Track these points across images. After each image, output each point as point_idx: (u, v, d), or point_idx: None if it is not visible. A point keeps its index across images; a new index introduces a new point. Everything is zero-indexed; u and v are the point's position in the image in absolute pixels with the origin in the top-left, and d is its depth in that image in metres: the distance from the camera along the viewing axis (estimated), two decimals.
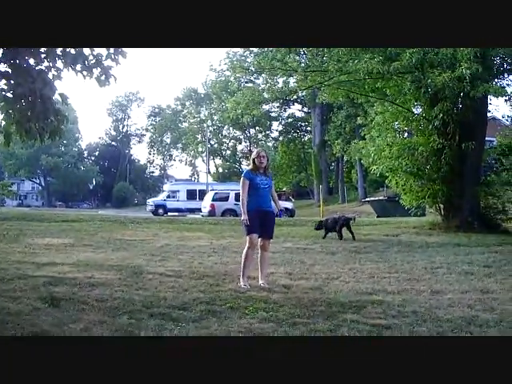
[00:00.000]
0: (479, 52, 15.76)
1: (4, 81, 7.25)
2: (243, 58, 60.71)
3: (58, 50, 7.23)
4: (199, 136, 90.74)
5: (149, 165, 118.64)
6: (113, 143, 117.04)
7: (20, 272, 9.17)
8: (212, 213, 34.16)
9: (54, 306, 6.73)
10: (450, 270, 10.41)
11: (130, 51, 8.27)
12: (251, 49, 57.17)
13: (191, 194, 49.26)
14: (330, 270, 10.37)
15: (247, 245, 8.81)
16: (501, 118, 26.28)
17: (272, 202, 9.20)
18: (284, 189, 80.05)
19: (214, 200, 35.49)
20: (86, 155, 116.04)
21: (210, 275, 9.42)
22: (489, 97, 18.57)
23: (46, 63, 7.31)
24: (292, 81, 27.47)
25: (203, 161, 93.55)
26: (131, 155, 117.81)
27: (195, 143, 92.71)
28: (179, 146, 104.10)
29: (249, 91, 26.22)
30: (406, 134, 23.51)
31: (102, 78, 7.65)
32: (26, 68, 7.16)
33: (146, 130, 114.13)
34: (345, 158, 61.45)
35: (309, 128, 76.11)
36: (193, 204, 45.45)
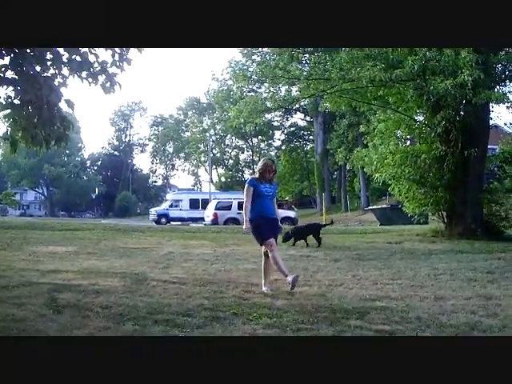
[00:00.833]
0: (481, 59, 15.82)
1: (11, 88, 7.31)
2: (245, 67, 60.71)
3: (64, 57, 7.29)
4: (202, 145, 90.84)
5: (151, 174, 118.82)
6: (115, 153, 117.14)
7: (24, 279, 9.19)
8: (215, 222, 34.18)
9: (58, 313, 6.75)
10: (453, 276, 10.40)
11: (133, 60, 8.34)
12: (253, 57, 57.43)
13: (194, 203, 49.33)
14: (334, 276, 10.37)
15: (271, 248, 8.75)
16: (503, 126, 26.33)
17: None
18: (287, 198, 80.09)
19: (216, 209, 35.51)
20: (88, 165, 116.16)
21: (214, 282, 9.43)
22: (491, 104, 18.59)
23: (52, 70, 7.38)
24: (294, 89, 27.52)
25: (206, 170, 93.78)
26: (134, 165, 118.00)
27: (198, 152, 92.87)
28: (182, 155, 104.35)
29: (251, 100, 26.25)
30: (408, 142, 23.55)
31: (107, 84, 7.72)
32: (33, 75, 7.22)
33: (149, 139, 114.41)
34: (347, 167, 61.48)
35: (311, 137, 76.25)
36: (195, 213, 45.51)
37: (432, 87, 16.27)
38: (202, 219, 38.92)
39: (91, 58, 7.75)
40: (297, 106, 66.70)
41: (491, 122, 20.29)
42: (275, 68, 20.96)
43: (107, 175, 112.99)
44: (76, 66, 7.38)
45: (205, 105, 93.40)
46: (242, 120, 27.77)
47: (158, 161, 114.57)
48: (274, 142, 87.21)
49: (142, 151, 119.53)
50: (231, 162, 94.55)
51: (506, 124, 28.01)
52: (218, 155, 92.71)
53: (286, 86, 27.35)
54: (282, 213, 38.98)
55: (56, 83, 7.46)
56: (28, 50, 7.17)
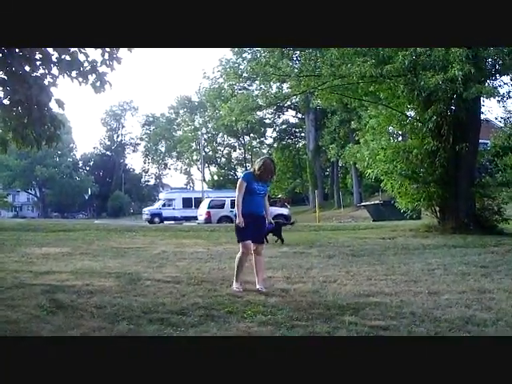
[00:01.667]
0: (471, 53, 15.85)
1: (0, 88, 7.29)
2: (236, 64, 60.87)
3: (54, 57, 7.27)
4: (194, 144, 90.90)
5: (144, 174, 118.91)
6: (107, 153, 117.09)
7: (18, 281, 9.16)
8: (208, 220, 34.12)
9: (52, 314, 6.73)
10: (447, 271, 10.43)
11: (123, 59, 8.32)
12: (244, 55, 57.51)
13: (187, 202, 49.31)
14: (328, 273, 10.37)
15: (241, 250, 8.73)
16: (494, 120, 26.39)
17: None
18: (279, 195, 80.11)
19: (209, 207, 35.43)
20: (80, 165, 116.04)
21: (208, 281, 9.41)
22: (482, 98, 18.64)
23: (41, 70, 7.35)
24: (285, 86, 27.63)
25: (198, 169, 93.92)
26: (126, 164, 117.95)
27: (190, 151, 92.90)
28: (174, 154, 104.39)
29: (242, 97, 26.30)
30: (400, 137, 23.60)
31: (98, 84, 7.70)
32: (22, 75, 7.20)
33: (141, 139, 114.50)
34: (340, 163, 61.71)
35: (303, 134, 76.29)
36: (189, 212, 45.46)
37: (423, 82, 16.31)
38: (195, 218, 38.87)
39: (81, 58, 7.74)
40: (288, 103, 66.82)
41: (482, 117, 20.33)
42: (266, 65, 21.00)
43: (100, 175, 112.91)
44: (66, 65, 7.36)
45: (196, 103, 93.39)
46: (234, 118, 27.88)
47: (151, 160, 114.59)
48: (265, 139, 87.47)
49: (134, 151, 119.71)
50: (223, 160, 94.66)
51: (496, 118, 28.11)
52: (210, 153, 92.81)
53: (277, 83, 27.46)
54: (276, 210, 39.06)
55: (46, 83, 7.43)
56: (17, 50, 7.14)
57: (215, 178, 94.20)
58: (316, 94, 22.46)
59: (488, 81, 18.53)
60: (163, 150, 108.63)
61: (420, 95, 17.41)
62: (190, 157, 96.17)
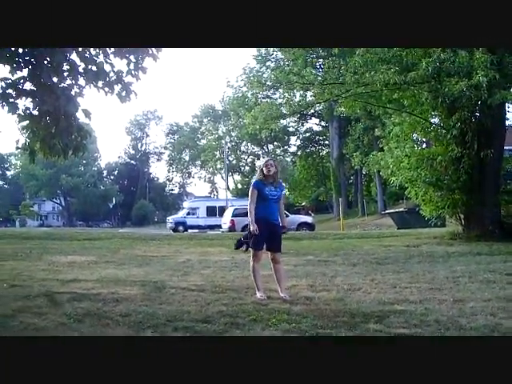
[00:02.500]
0: (496, 59, 15.76)
1: (29, 99, 7.40)
2: (260, 73, 60.84)
3: (80, 68, 7.37)
4: (218, 153, 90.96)
5: (168, 182, 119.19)
6: (132, 162, 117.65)
7: (45, 289, 9.26)
8: (232, 229, 34.14)
9: (78, 322, 6.80)
10: (472, 278, 10.33)
11: (148, 69, 8.42)
12: (268, 63, 57.57)
13: (211, 211, 49.47)
14: (352, 281, 10.33)
15: (252, 258, 8.80)
16: None
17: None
18: (303, 203, 79.97)
19: (233, 216, 35.44)
20: (105, 174, 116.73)
21: (233, 289, 9.43)
22: (507, 104, 18.51)
23: (68, 81, 7.46)
24: (309, 94, 27.56)
25: (222, 177, 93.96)
26: (150, 173, 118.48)
27: (214, 160, 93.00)
28: (198, 163, 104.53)
29: (266, 106, 26.31)
30: (424, 145, 23.49)
31: (123, 93, 7.79)
32: (50, 85, 7.31)
33: (165, 147, 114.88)
34: (363, 171, 61.35)
35: (327, 142, 76.06)
36: (213, 220, 45.56)
37: (447, 89, 16.23)
38: (220, 226, 38.94)
39: (107, 68, 7.85)
40: (312, 111, 66.71)
41: (507, 123, 20.18)
42: (289, 73, 21.06)
43: (124, 184, 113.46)
44: (92, 75, 7.47)
45: (220, 112, 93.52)
46: (258, 126, 27.81)
47: (175, 169, 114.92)
48: (289, 147, 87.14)
49: (158, 160, 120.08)
50: (247, 168, 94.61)
51: None
52: (234, 162, 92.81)
53: (301, 92, 27.45)
54: (300, 218, 39.15)
55: (73, 93, 7.54)
56: (45, 62, 7.25)
57: (239, 186, 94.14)
58: (340, 101, 22.48)
59: None
60: (187, 158, 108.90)
61: (444, 102, 17.32)
62: (214, 165, 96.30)
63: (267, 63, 59.05)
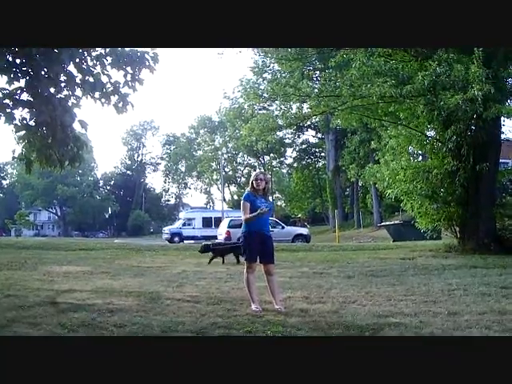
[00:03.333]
0: (491, 73, 15.85)
1: (26, 109, 7.42)
2: (256, 85, 60.95)
3: (78, 79, 7.39)
4: (214, 164, 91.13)
5: (164, 193, 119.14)
6: (128, 172, 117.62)
7: (39, 299, 9.26)
8: (228, 240, 34.10)
9: (73, 332, 6.79)
10: (467, 291, 10.32)
11: (145, 80, 8.44)
12: (264, 75, 57.67)
13: (207, 222, 49.45)
14: (347, 293, 10.33)
15: (245, 270, 8.83)
16: None
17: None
18: (299, 215, 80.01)
19: (229, 227, 35.37)
20: (101, 184, 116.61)
21: (228, 300, 9.43)
22: (502, 118, 18.59)
23: (65, 91, 7.48)
24: (305, 106, 27.59)
25: (218, 188, 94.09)
26: (146, 184, 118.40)
27: (210, 171, 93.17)
28: (194, 174, 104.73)
29: (263, 117, 26.38)
30: (420, 157, 23.56)
31: (120, 105, 7.81)
32: (47, 96, 7.33)
33: (161, 158, 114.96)
34: (360, 183, 61.45)
35: (323, 154, 76.17)
36: (208, 231, 45.49)
37: (442, 102, 16.29)
38: (215, 237, 38.89)
39: (104, 79, 7.87)
40: (308, 123, 66.81)
41: (503, 136, 20.30)
42: (286, 86, 21.08)
43: (120, 194, 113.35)
44: (89, 86, 7.49)
45: (216, 123, 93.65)
46: (254, 138, 27.96)
47: (171, 179, 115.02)
48: (285, 159, 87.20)
49: (154, 170, 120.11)
50: (243, 179, 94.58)
51: None
52: (230, 173, 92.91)
53: (297, 104, 27.46)
54: (296, 230, 39.12)
55: (69, 104, 7.56)
56: (43, 73, 7.28)
57: (235, 197, 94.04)
58: (336, 114, 22.51)
59: (508, 100, 18.50)
60: (183, 169, 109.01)
61: (440, 115, 17.37)
62: (210, 176, 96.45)
63: (264, 75, 59.05)
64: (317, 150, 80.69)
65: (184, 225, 49.96)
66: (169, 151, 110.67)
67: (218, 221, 43.99)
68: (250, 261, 8.78)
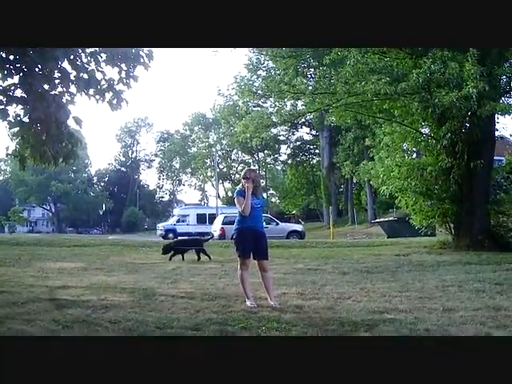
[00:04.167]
0: (485, 71, 15.87)
1: (20, 106, 7.39)
2: (251, 82, 60.85)
3: (72, 75, 7.37)
4: (208, 160, 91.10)
5: (158, 190, 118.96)
6: (122, 169, 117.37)
7: (33, 295, 9.24)
8: (222, 236, 34.09)
9: (67, 328, 6.78)
10: (462, 288, 10.33)
11: (139, 77, 8.43)
12: (259, 72, 57.59)
13: (201, 218, 49.44)
14: (342, 289, 10.33)
15: (239, 266, 8.85)
16: (508, 137, 26.34)
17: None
18: (293, 212, 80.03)
19: (223, 223, 35.38)
20: (95, 181, 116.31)
21: (222, 296, 9.42)
22: (496, 115, 18.62)
23: (60, 88, 7.46)
24: (300, 103, 27.63)
25: (212, 185, 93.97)
26: (140, 180, 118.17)
27: (204, 168, 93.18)
28: (188, 170, 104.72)
29: (257, 114, 26.42)
30: (414, 155, 23.58)
31: (114, 101, 7.80)
32: (41, 93, 7.30)
33: (155, 155, 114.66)
34: (354, 180, 61.49)
35: (317, 151, 76.21)
36: (203, 228, 45.47)
37: (437, 100, 16.30)
38: (209, 234, 38.90)
39: (98, 76, 7.85)
40: (302, 120, 66.73)
41: (497, 133, 20.30)
42: (280, 83, 21.06)
43: (114, 191, 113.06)
44: (83, 83, 7.47)
45: (211, 120, 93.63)
46: (248, 135, 27.85)
47: (165, 176, 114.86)
48: (280, 156, 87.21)
49: (148, 167, 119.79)
50: (238, 176, 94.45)
51: (511, 135, 28.09)
52: (225, 170, 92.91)
53: (292, 101, 27.51)
54: (290, 226, 39.15)
55: (64, 101, 7.54)
56: (37, 69, 7.26)
57: (229, 194, 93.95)
58: (330, 111, 22.52)
59: (503, 98, 18.54)
60: (178, 166, 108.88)
61: (434, 112, 17.37)
62: (205, 173, 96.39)
63: (258, 72, 58.93)
64: (311, 146, 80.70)
65: (178, 221, 49.98)
66: (163, 148, 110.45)
67: (213, 217, 43.97)
68: (244, 257, 8.78)
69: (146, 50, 8.38)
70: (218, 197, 77.45)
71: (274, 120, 24.87)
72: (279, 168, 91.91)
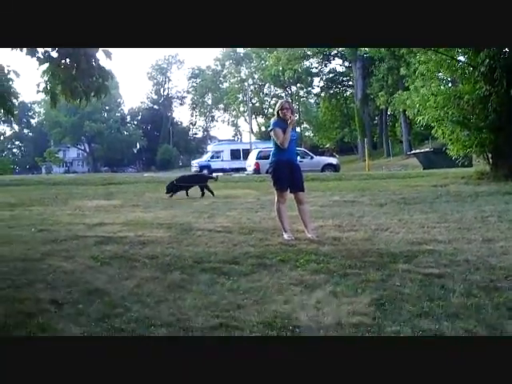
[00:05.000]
0: None
1: None
2: None
3: None
4: (240, 95, 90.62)
5: (191, 126, 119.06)
6: (155, 107, 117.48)
7: (71, 233, 9.31)
8: (257, 171, 34.13)
9: (106, 264, 6.81)
10: (501, 218, 10.13)
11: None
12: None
13: (235, 154, 49.55)
14: (380, 221, 10.22)
15: (276, 198, 8.79)
16: None
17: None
18: (327, 145, 79.61)
19: (258, 158, 35.37)
20: (128, 120, 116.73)
21: (259, 230, 9.39)
22: None
23: None
24: None
25: (245, 120, 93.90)
26: (173, 118, 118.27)
27: (237, 103, 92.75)
28: (221, 106, 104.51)
29: None
30: (450, 83, 23.09)
31: None
32: None
33: (187, 92, 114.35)
34: (388, 112, 60.75)
35: (351, 82, 75.27)
36: (237, 163, 45.63)
37: None
38: (244, 169, 38.96)
39: None
40: (335, 51, 65.85)
41: None
42: None
43: (147, 129, 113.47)
44: None
45: (242, 54, 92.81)
46: (281, 67, 27.59)
47: (198, 113, 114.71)
48: (312, 89, 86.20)
49: (181, 104, 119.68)
50: (271, 110, 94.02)
51: None
52: (258, 105, 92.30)
53: None
54: (325, 160, 39.05)
55: None
56: None
57: (263, 129, 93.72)
58: None
59: None
60: (210, 102, 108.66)
61: None
62: (237, 108, 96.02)
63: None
64: (344, 78, 79.67)
65: (212, 157, 50.12)
66: (195, 84, 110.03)
67: (247, 152, 43.94)
68: (281, 190, 8.71)
69: None
70: (252, 132, 77.23)
71: (307, 52, 24.51)
72: (312, 101, 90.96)
